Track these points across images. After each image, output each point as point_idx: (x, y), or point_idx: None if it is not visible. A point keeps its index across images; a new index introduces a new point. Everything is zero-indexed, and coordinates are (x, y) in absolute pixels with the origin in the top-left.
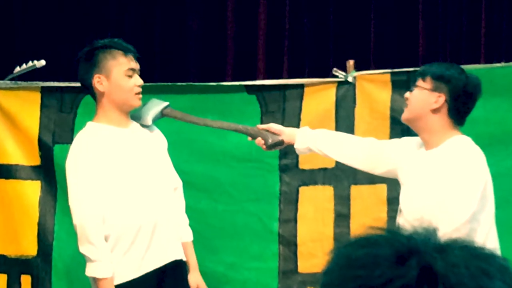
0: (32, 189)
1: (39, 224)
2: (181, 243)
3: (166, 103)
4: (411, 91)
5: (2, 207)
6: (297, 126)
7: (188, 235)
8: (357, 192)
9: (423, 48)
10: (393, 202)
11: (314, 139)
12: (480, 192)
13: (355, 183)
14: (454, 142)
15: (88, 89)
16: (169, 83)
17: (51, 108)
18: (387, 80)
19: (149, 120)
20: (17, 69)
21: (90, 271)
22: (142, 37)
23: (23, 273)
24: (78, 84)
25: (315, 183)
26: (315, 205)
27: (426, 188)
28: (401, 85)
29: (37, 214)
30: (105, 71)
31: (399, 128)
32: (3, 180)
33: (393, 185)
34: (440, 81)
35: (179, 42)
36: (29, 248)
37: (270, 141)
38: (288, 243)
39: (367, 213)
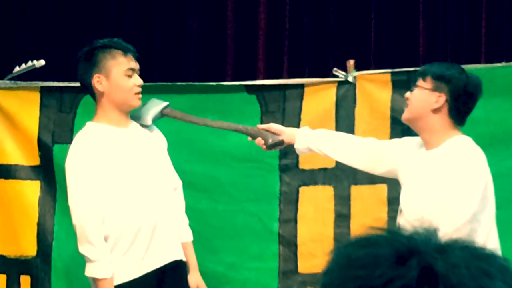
0: (32, 189)
1: (38, 224)
2: (181, 243)
3: (166, 103)
4: (411, 91)
5: (2, 207)
6: (297, 126)
7: (188, 235)
8: (357, 192)
9: (424, 48)
10: (393, 202)
11: (314, 139)
12: (480, 192)
13: (355, 183)
14: (454, 142)
15: (87, 89)
16: (169, 83)
17: (51, 108)
18: (388, 80)
19: (148, 120)
20: (17, 69)
21: (90, 271)
22: (142, 37)
23: (23, 274)
24: (78, 84)
25: (315, 183)
26: (315, 205)
27: (426, 188)
28: (402, 85)
29: (37, 214)
30: (104, 71)
31: (400, 128)
32: (2, 180)
33: (394, 185)
34: (440, 81)
35: (179, 42)
36: (29, 248)
37: (270, 141)
38: (288, 243)
39: (367, 213)
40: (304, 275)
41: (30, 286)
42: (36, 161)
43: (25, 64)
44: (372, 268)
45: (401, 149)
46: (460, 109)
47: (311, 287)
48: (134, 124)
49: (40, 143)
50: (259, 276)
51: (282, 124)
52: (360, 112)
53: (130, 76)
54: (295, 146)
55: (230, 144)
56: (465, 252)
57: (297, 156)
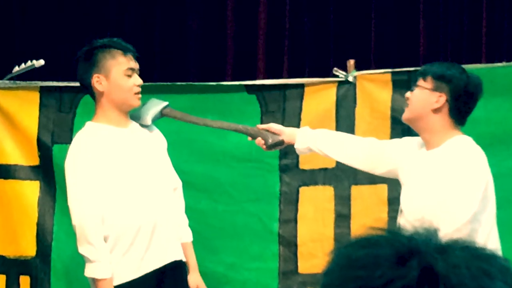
0: (31, 189)
1: (38, 224)
2: (180, 244)
3: (166, 103)
4: (412, 90)
5: (1, 207)
6: (297, 126)
7: (187, 236)
8: (358, 192)
9: (424, 47)
10: (393, 202)
11: (315, 139)
12: (481, 192)
13: (356, 183)
14: (455, 142)
15: (87, 88)
16: (169, 83)
17: (50, 108)
18: (388, 80)
19: (148, 120)
20: (16, 68)
21: (89, 271)
22: (142, 36)
23: (22, 274)
24: (77, 84)
25: (315, 183)
26: (315, 206)
27: (427, 188)
28: (402, 85)
29: (36, 215)
30: (104, 70)
31: (400, 128)
32: (1, 180)
33: (394, 185)
34: (441, 81)
35: (179, 41)
36: (28, 248)
37: (270, 141)
38: (288, 244)
39: (367, 213)
40: (304, 275)
41: (29, 286)
42: (35, 161)
43: (25, 64)
44: (373, 268)
45: (401, 149)
46: (461, 109)
47: (311, 287)
48: (134, 124)
49: (40, 143)
50: (259, 277)
51: (282, 124)
52: (361, 112)
53: (129, 76)
54: (295, 146)
55: (230, 144)
56: (465, 253)
57: (297, 156)
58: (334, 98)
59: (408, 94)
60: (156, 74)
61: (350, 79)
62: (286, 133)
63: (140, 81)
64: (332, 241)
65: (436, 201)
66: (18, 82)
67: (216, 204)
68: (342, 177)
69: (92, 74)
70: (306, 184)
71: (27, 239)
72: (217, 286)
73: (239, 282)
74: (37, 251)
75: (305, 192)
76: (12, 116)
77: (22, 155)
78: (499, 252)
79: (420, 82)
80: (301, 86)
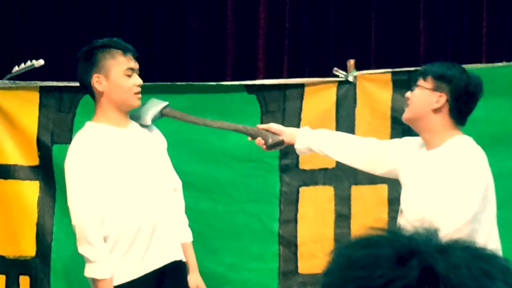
0: (31, 189)
1: (37, 224)
2: (180, 244)
3: (166, 103)
4: (412, 90)
5: (1, 207)
6: (298, 126)
7: (187, 236)
8: (358, 193)
9: (424, 47)
10: (394, 202)
11: (315, 139)
12: (481, 192)
13: (356, 184)
14: (455, 142)
15: (87, 88)
16: (169, 83)
17: (50, 108)
18: (388, 80)
19: (148, 120)
20: (16, 68)
21: (89, 272)
22: (142, 36)
23: (22, 274)
24: (77, 84)
25: (315, 183)
26: (315, 206)
27: (427, 188)
28: (402, 85)
29: (36, 215)
30: (104, 70)
31: (400, 128)
32: (1, 180)
33: (394, 186)
34: (441, 81)
35: (179, 41)
36: (28, 248)
37: (270, 141)
38: (288, 244)
39: (367, 213)
40: (304, 275)
41: (29, 286)
42: (35, 161)
43: (24, 63)
44: (373, 268)
45: (401, 149)
46: (461, 109)
47: (311, 287)
48: (134, 124)
49: (39, 143)
50: (259, 277)
51: (282, 124)
52: (361, 112)
53: (129, 76)
54: (295, 146)
55: (230, 144)
56: (465, 253)
57: (297, 156)
58: (334, 98)
59: (408, 94)
60: (156, 74)
61: (350, 79)
62: (286, 133)
63: (140, 81)
64: (332, 241)
65: (437, 201)
66: (17, 82)
67: (216, 204)
68: (342, 177)
69: (92, 74)
70: (306, 184)
71: (27, 239)
72: (217, 286)
73: (239, 282)
74: (36, 251)
75: (305, 192)
76: (11, 116)
77: (22, 155)
78: (500, 252)
79: (421, 82)
80: (301, 86)
